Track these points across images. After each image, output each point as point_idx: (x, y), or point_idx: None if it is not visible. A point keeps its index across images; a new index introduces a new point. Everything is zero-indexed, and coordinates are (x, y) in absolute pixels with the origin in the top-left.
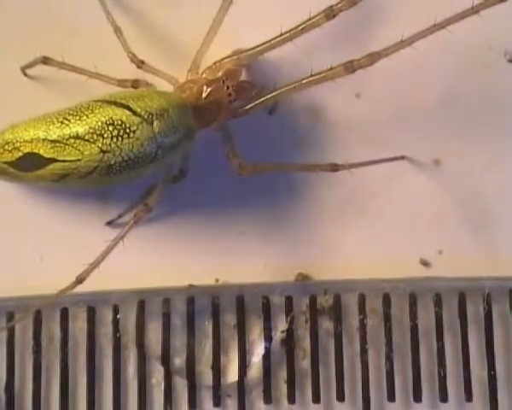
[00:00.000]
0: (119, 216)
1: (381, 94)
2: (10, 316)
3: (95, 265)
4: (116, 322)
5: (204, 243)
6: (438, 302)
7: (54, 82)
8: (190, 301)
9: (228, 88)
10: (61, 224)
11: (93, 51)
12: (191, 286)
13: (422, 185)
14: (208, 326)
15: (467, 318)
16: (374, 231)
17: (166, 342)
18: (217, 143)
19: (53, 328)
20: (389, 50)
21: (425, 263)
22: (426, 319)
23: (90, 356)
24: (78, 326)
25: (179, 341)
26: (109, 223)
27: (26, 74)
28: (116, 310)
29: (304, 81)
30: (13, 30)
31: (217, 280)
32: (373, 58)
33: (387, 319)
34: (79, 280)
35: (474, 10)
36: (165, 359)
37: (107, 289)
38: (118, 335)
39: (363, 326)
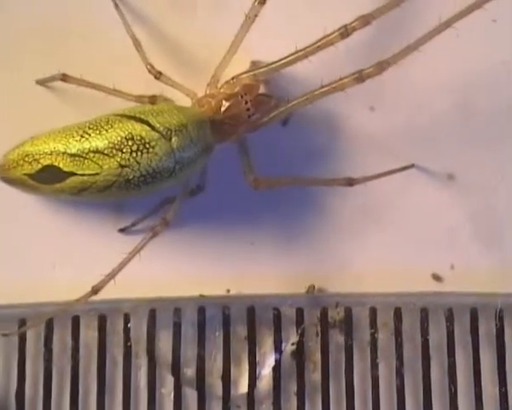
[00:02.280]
0: (133, 224)
1: (394, 107)
2: (22, 323)
3: (111, 276)
4: (127, 331)
5: (215, 253)
6: (449, 318)
7: (73, 94)
8: (201, 312)
9: (246, 102)
10: (73, 231)
11: (110, 64)
12: (202, 296)
13: (435, 199)
14: (219, 337)
15: (479, 334)
16: (386, 245)
17: (177, 352)
18: (227, 155)
19: (64, 336)
20: (397, 57)
21: (437, 278)
22: (437, 334)
23: (100, 364)
24: (90, 334)
25: (190, 351)
26: (122, 230)
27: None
28: (127, 319)
29: (316, 92)
30: (31, 42)
31: (228, 291)
32: (382, 67)
33: (399, 333)
34: (95, 291)
35: (478, 4)
36: (176, 369)
37: (118, 298)
38: (129, 344)
39: (374, 340)
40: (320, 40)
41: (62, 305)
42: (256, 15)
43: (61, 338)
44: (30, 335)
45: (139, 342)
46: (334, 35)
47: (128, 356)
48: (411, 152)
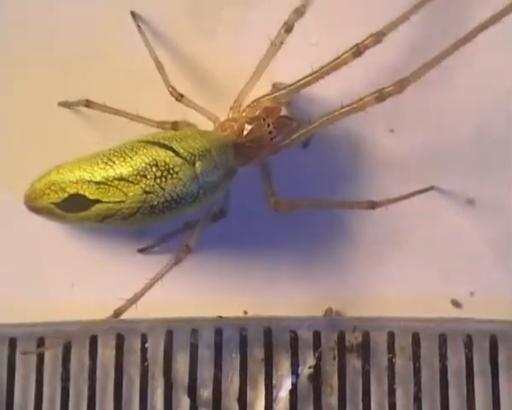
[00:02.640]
0: (153, 245)
1: (414, 130)
2: (40, 342)
3: (133, 301)
4: (144, 351)
5: (233, 274)
6: (468, 344)
7: (96, 116)
8: (218, 333)
9: (268, 125)
10: (93, 251)
11: (132, 87)
12: (219, 317)
13: (455, 224)
14: (236, 359)
15: (498, 361)
16: (405, 269)
17: (193, 373)
18: (246, 178)
19: (82, 355)
20: (417, 74)
21: (456, 304)
22: (456, 360)
23: (117, 384)
24: (107, 354)
25: (206, 372)
26: (142, 250)
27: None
28: (144, 339)
29: (337, 113)
30: (54, 65)
31: (245, 312)
32: (402, 85)
33: (417, 358)
34: (117, 314)
35: (496, 18)
36: (192, 390)
37: (136, 318)
38: (146, 364)
39: (391, 365)
40: (333, 60)
41: (83, 326)
42: (282, 43)
43: (79, 357)
44: (48, 353)
45: (156, 362)
46: (346, 55)
47: (145, 377)
48: (431, 175)
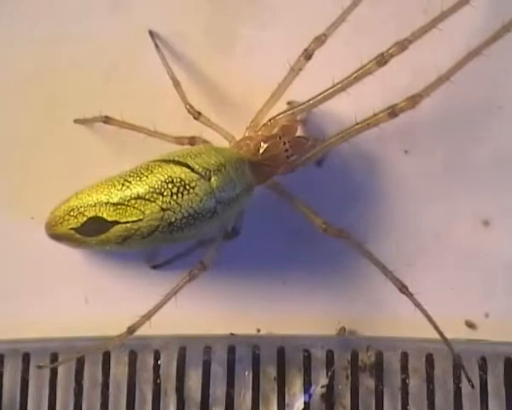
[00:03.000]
0: (167, 262)
1: (429, 151)
2: (54, 357)
3: (146, 318)
4: (157, 368)
5: (246, 292)
6: (482, 366)
7: (113, 132)
8: (231, 350)
9: (285, 143)
10: (106, 267)
11: (150, 104)
12: (232, 335)
13: (470, 245)
14: (248, 377)
15: None
16: (419, 289)
17: (206, 390)
18: (257, 198)
19: (95, 371)
20: (429, 89)
21: (470, 325)
22: None
23: (129, 401)
24: (120, 370)
25: (219, 389)
26: (155, 267)
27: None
28: (157, 356)
29: (350, 130)
30: (72, 83)
31: (258, 330)
32: (414, 100)
33: (430, 380)
34: (130, 331)
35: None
36: (204, 407)
37: (149, 335)
38: (158, 381)
39: (405, 386)
40: (357, 71)
41: (96, 343)
42: (300, 69)
43: (92, 373)
44: (61, 369)
45: (168, 379)
46: (371, 63)
47: (157, 393)
48: (446, 197)
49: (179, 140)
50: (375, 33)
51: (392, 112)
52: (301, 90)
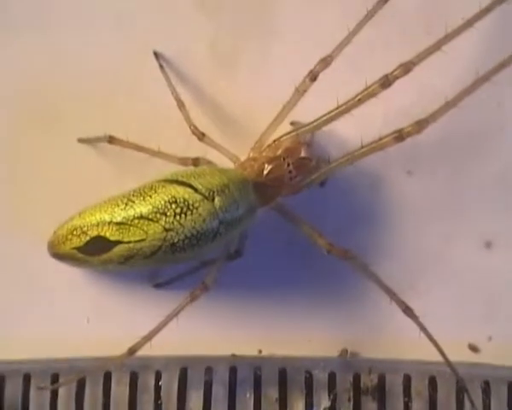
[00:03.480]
0: (169, 282)
1: (432, 172)
2: (55, 377)
3: (147, 338)
4: (158, 388)
5: (248, 313)
6: (486, 390)
7: (118, 159)
8: (233, 372)
9: (288, 165)
10: (108, 286)
11: (154, 124)
12: (234, 356)
13: (473, 267)
14: (250, 398)
15: None
16: (421, 311)
17: None
18: (260, 219)
19: (96, 392)
20: (436, 115)
21: (473, 348)
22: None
23: None
24: (121, 391)
25: None
26: (157, 286)
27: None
28: (159, 376)
29: (356, 153)
30: (76, 102)
31: (260, 351)
32: (421, 125)
33: (433, 403)
34: (131, 352)
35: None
36: None
37: (150, 355)
38: (159, 401)
39: (407, 409)
40: (361, 92)
41: (98, 363)
42: (305, 90)
43: (93, 394)
44: (61, 389)
45: (170, 400)
46: (374, 86)
47: None
48: (448, 218)
49: (183, 161)
50: (378, 55)
51: (399, 136)
52: (305, 111)
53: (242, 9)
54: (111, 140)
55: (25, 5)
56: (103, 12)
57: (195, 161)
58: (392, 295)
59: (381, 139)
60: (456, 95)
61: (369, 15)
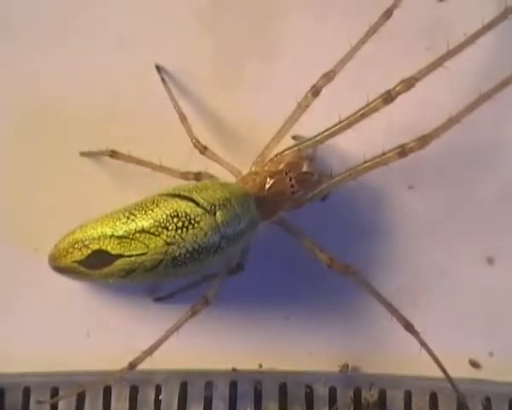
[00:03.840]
0: (170, 295)
1: (434, 187)
2: (55, 391)
3: (148, 353)
4: (158, 403)
5: (249, 327)
6: (487, 406)
7: (120, 173)
8: (233, 386)
9: (290, 179)
10: (108, 300)
11: (155, 138)
12: (234, 370)
13: (474, 283)
14: None
15: None
16: (422, 327)
17: None
18: (261, 233)
19: (96, 406)
20: (439, 131)
21: (474, 364)
22: None
23: None
24: (121, 405)
25: None
26: (158, 299)
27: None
28: (159, 390)
29: (359, 168)
30: (78, 116)
31: (260, 366)
32: (424, 141)
33: None
34: (132, 366)
35: None
36: None
37: (150, 369)
38: None
39: None
40: (364, 107)
41: (97, 377)
42: (308, 106)
43: (92, 408)
44: (61, 403)
45: None
46: (377, 101)
47: None
48: (449, 233)
49: (185, 175)
50: (380, 71)
51: (402, 151)
52: (307, 125)
53: (245, 24)
54: (113, 154)
55: (29, 20)
56: (106, 27)
57: (197, 176)
58: (393, 310)
59: (383, 154)
60: (459, 111)
61: (371, 31)
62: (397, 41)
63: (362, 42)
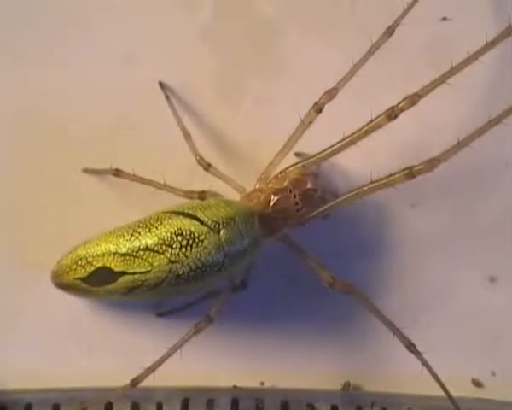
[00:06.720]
0: (172, 311)
1: (436, 205)
2: (56, 408)
3: (150, 370)
4: None
5: (250, 344)
6: None
7: (123, 190)
8: (234, 403)
9: (295, 197)
10: (109, 317)
11: (159, 155)
12: (236, 388)
13: (477, 302)
14: None
15: None
16: (424, 345)
17: None
18: (264, 251)
19: None
20: (448, 154)
21: (477, 383)
22: None
23: None
24: None
25: None
26: (161, 315)
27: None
28: (160, 407)
29: (365, 188)
30: (82, 132)
31: (262, 383)
32: (432, 164)
33: None
34: (133, 384)
35: None
36: None
37: (152, 386)
38: None
39: None
40: (367, 124)
41: (99, 394)
42: (311, 122)
43: None
44: None
45: None
46: (380, 118)
47: None
48: (452, 252)
49: (188, 194)
50: (383, 88)
51: (410, 173)
52: (310, 142)
53: (248, 41)
54: (117, 173)
55: (33, 37)
56: (110, 45)
57: (201, 195)
58: (395, 330)
59: (391, 175)
60: (469, 135)
61: (374, 48)
62: (400, 58)
63: (364, 59)
